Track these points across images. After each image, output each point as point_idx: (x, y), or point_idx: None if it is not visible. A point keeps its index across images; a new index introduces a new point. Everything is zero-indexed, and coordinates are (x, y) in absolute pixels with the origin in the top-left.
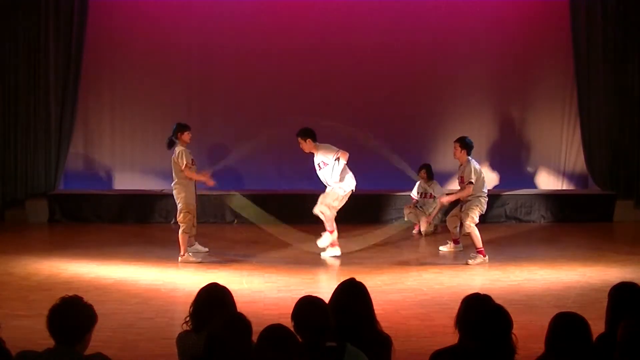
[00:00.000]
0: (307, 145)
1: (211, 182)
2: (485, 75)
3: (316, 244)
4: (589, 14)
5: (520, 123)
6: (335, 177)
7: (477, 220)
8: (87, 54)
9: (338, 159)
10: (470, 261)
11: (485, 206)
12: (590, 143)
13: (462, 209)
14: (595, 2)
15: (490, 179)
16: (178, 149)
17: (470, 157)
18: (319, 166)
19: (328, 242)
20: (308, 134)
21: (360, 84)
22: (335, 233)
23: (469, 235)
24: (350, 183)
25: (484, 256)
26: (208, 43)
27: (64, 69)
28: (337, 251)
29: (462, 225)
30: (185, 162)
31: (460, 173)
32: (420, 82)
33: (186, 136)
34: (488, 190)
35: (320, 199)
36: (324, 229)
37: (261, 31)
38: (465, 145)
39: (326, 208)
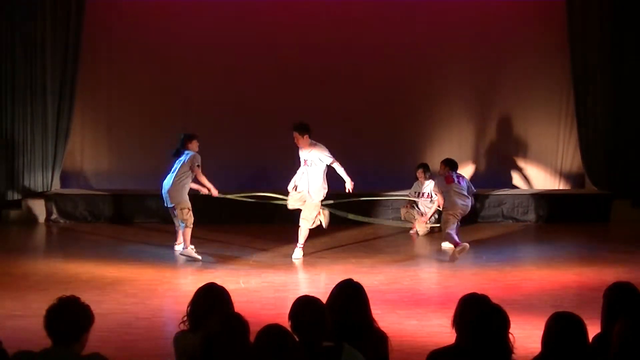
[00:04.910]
0: (303, 141)
1: (215, 192)
2: (482, 75)
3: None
4: (586, 13)
5: (517, 123)
6: (319, 179)
7: (453, 226)
8: (84, 54)
9: (333, 163)
10: (456, 256)
11: (459, 212)
12: (587, 143)
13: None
14: (592, 2)
15: (488, 178)
16: (192, 154)
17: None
18: (308, 163)
19: (300, 255)
20: (307, 129)
21: (357, 84)
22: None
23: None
24: (324, 191)
25: (460, 244)
26: (206, 44)
27: (61, 69)
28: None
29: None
30: (200, 164)
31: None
32: (415, 82)
33: (194, 144)
34: (486, 189)
35: (302, 213)
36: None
37: (257, 33)
38: (448, 163)
39: (306, 222)
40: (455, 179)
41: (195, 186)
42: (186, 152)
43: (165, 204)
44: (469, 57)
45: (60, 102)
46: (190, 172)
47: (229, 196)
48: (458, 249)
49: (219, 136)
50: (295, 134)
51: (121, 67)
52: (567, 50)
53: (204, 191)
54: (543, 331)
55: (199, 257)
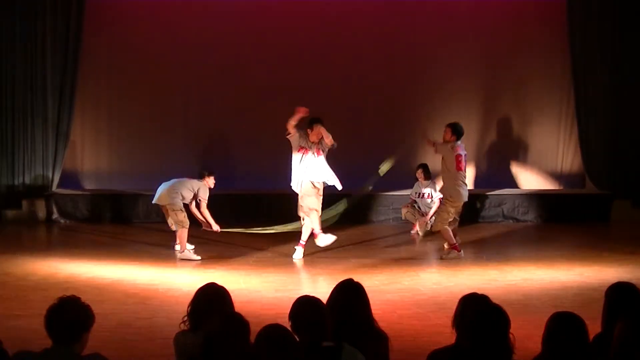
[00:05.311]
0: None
1: (217, 228)
2: (482, 75)
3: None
4: (586, 12)
5: (518, 123)
6: (325, 163)
7: (449, 218)
8: (84, 54)
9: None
10: (444, 256)
11: (460, 205)
12: (587, 143)
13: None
14: (592, 1)
15: (488, 178)
16: (203, 184)
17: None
18: (323, 151)
19: (301, 255)
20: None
21: (357, 85)
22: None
23: (438, 232)
24: (334, 180)
25: (459, 251)
26: (206, 44)
27: (61, 68)
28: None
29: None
30: (206, 198)
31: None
32: (415, 82)
33: (211, 180)
34: (486, 189)
35: (305, 208)
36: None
37: (257, 33)
38: (455, 131)
39: (314, 213)
40: (464, 162)
41: (198, 217)
42: (197, 181)
43: (152, 199)
44: (469, 57)
45: (60, 102)
46: (191, 193)
47: (232, 230)
48: (452, 254)
49: (219, 136)
50: (323, 129)
51: (121, 67)
52: (567, 50)
53: (206, 226)
54: (543, 331)
55: (198, 258)
